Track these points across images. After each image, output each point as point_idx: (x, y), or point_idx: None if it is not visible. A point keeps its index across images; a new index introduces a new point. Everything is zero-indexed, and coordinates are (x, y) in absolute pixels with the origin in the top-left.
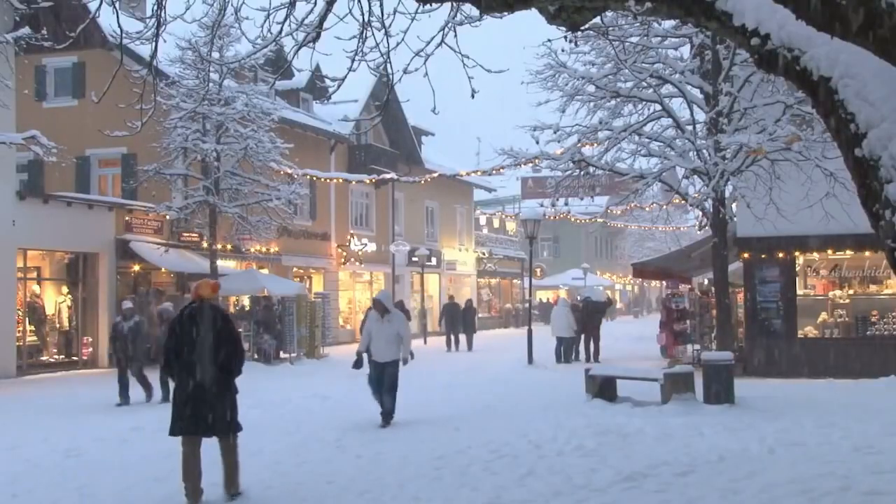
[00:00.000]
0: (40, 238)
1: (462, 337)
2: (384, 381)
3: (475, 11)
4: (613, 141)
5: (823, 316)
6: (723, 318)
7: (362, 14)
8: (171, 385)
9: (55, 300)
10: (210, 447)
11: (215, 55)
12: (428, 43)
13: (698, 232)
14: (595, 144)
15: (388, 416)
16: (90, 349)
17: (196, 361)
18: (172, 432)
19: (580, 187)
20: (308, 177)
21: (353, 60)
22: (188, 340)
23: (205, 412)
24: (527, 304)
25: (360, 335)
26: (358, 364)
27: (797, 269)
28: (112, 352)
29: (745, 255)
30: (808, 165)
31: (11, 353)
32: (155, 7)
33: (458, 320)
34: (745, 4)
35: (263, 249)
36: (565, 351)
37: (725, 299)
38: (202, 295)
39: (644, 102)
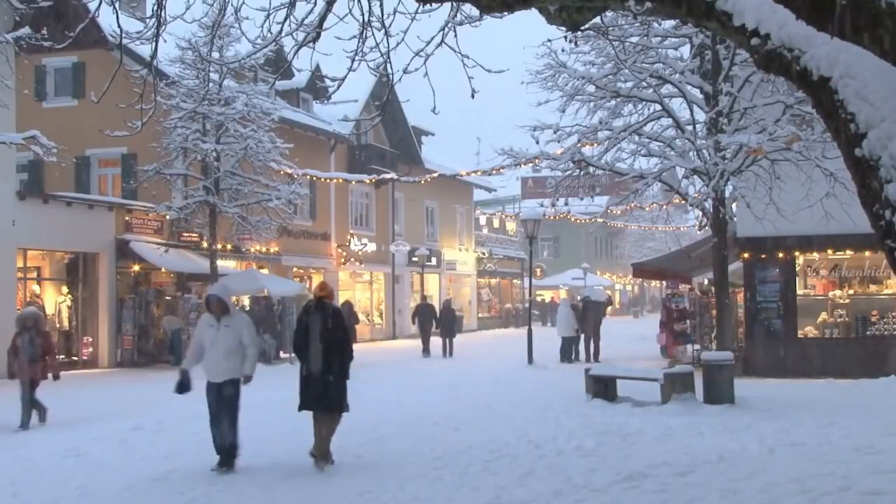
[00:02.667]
0: (40, 238)
1: (439, 341)
2: (220, 408)
3: (475, 11)
4: (613, 141)
5: (823, 316)
6: (723, 318)
7: (362, 14)
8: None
9: (55, 300)
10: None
11: (215, 55)
12: (428, 43)
13: (698, 232)
14: (595, 144)
15: (228, 454)
16: (90, 349)
17: (313, 349)
18: (300, 408)
19: (580, 187)
20: (308, 177)
21: (353, 60)
22: (308, 332)
23: (319, 391)
24: (527, 304)
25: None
26: (182, 386)
27: (797, 269)
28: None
29: (745, 255)
30: (808, 165)
31: None
32: (155, 7)
33: (432, 323)
34: (745, 4)
35: (263, 249)
36: (566, 350)
37: (725, 299)
38: (318, 295)
39: (644, 102)
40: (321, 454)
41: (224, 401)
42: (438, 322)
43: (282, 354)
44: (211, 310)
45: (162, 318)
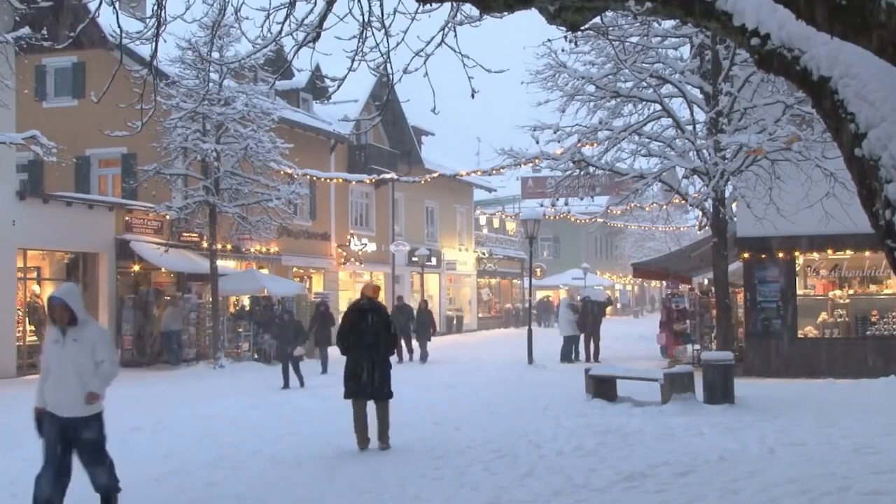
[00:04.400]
0: (40, 238)
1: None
2: (78, 451)
3: (475, 11)
4: (613, 141)
5: (823, 316)
6: (723, 318)
7: (362, 14)
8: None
9: None
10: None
11: (215, 55)
12: (428, 43)
13: (698, 232)
14: (595, 144)
15: (109, 497)
16: None
17: (361, 344)
18: (346, 396)
19: (580, 187)
20: (308, 177)
21: (353, 60)
22: (356, 328)
23: (367, 381)
24: (527, 304)
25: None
26: (41, 427)
27: (797, 269)
28: None
29: (745, 255)
30: (808, 165)
31: (11, 353)
32: (155, 7)
33: (410, 325)
34: (745, 4)
35: (263, 249)
36: (567, 350)
37: (725, 299)
38: (367, 295)
39: (644, 102)
40: (382, 441)
41: (86, 446)
42: (415, 324)
43: None
44: (54, 319)
45: (164, 312)
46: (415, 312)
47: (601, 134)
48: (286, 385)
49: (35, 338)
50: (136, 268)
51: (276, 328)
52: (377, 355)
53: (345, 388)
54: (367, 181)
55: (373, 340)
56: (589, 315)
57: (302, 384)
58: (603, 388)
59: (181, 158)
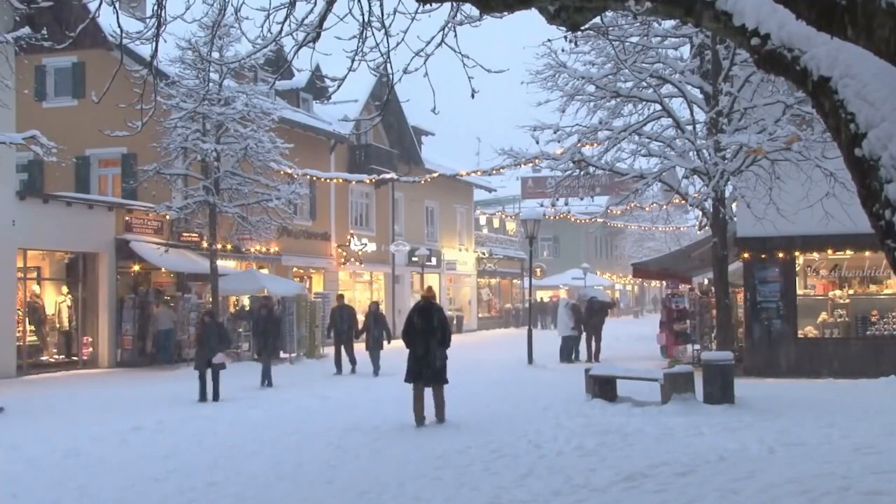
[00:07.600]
0: (40, 238)
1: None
2: None
3: (475, 11)
4: (613, 141)
5: (823, 316)
6: (723, 318)
7: (362, 14)
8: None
9: (55, 300)
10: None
11: (215, 55)
12: (428, 43)
13: (698, 232)
14: (595, 144)
15: None
16: (90, 349)
17: (423, 337)
18: (407, 380)
19: (580, 187)
20: (308, 177)
21: (353, 60)
22: (419, 324)
23: (426, 368)
24: (527, 304)
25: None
26: None
27: (797, 269)
28: None
29: (745, 255)
30: (808, 165)
31: (11, 353)
32: (155, 7)
33: (350, 331)
34: (745, 4)
35: (263, 249)
36: (566, 350)
37: (725, 299)
38: (426, 296)
39: (644, 102)
40: (439, 417)
41: None
42: (361, 332)
43: (281, 354)
44: None
45: (156, 311)
46: (357, 314)
47: (601, 134)
48: (202, 397)
49: (35, 338)
50: (136, 268)
51: (198, 332)
52: (436, 347)
53: (406, 373)
54: (367, 181)
55: (432, 334)
56: (594, 315)
57: (217, 397)
58: (603, 388)
59: (181, 158)
